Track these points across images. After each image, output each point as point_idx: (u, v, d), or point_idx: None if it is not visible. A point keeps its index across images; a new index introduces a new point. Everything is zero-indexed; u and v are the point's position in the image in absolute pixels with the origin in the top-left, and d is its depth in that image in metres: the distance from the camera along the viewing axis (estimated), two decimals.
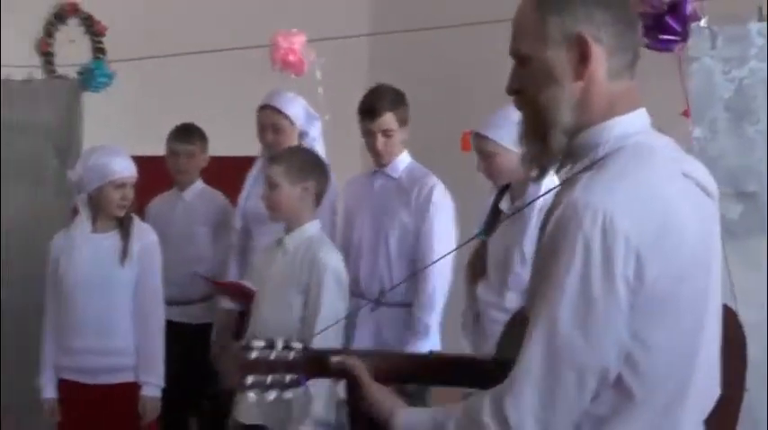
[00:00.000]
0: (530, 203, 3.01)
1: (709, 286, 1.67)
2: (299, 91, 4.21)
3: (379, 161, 3.90)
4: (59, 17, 5.24)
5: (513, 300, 3.24)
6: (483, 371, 1.84)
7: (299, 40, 4.21)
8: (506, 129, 3.24)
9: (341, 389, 3.43)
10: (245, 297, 3.79)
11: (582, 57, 1.65)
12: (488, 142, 3.31)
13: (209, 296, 4.39)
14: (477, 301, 3.43)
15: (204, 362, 4.35)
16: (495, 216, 3.39)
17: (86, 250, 3.69)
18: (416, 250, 3.78)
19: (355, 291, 3.74)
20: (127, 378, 3.68)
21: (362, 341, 3.73)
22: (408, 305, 3.75)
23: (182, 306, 4.34)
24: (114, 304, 3.68)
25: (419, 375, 2.04)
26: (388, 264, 3.85)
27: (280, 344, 1.89)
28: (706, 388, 1.70)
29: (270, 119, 4.09)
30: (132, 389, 3.68)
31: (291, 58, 4.19)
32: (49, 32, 5.20)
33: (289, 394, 1.93)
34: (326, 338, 3.16)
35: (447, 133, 3.70)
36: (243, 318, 4.26)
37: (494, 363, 1.84)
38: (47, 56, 5.16)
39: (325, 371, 1.91)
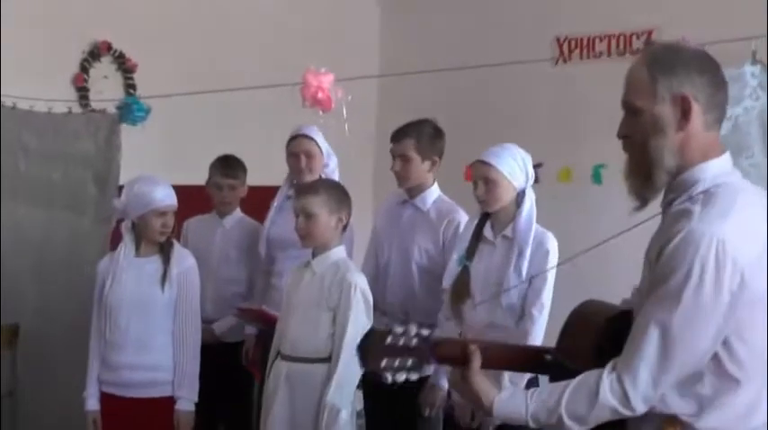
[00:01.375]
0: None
1: None
2: (323, 127, 4.39)
3: (400, 184, 4.05)
4: (93, 54, 5.36)
5: (504, 317, 3.43)
6: (555, 365, 2.17)
7: (327, 79, 4.37)
8: (507, 162, 3.50)
9: (358, 401, 3.65)
10: (266, 321, 3.92)
11: (684, 113, 2.00)
12: (491, 169, 3.50)
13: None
14: (461, 321, 3.60)
15: (231, 375, 4.54)
16: (476, 242, 3.60)
17: (130, 273, 3.82)
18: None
19: (381, 309, 3.88)
20: (163, 392, 3.78)
21: None
22: (433, 326, 3.90)
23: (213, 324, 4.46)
24: (154, 323, 3.79)
25: (514, 364, 2.35)
26: (413, 289, 3.98)
27: (412, 331, 2.17)
28: None
29: (303, 146, 4.29)
30: (168, 403, 3.78)
31: (321, 95, 4.34)
32: (84, 69, 5.33)
33: (414, 376, 2.18)
34: (354, 353, 3.42)
35: (448, 165, 4.03)
36: (258, 340, 4.46)
37: (560, 358, 2.17)
38: (82, 91, 5.27)
39: (442, 358, 2.19)
